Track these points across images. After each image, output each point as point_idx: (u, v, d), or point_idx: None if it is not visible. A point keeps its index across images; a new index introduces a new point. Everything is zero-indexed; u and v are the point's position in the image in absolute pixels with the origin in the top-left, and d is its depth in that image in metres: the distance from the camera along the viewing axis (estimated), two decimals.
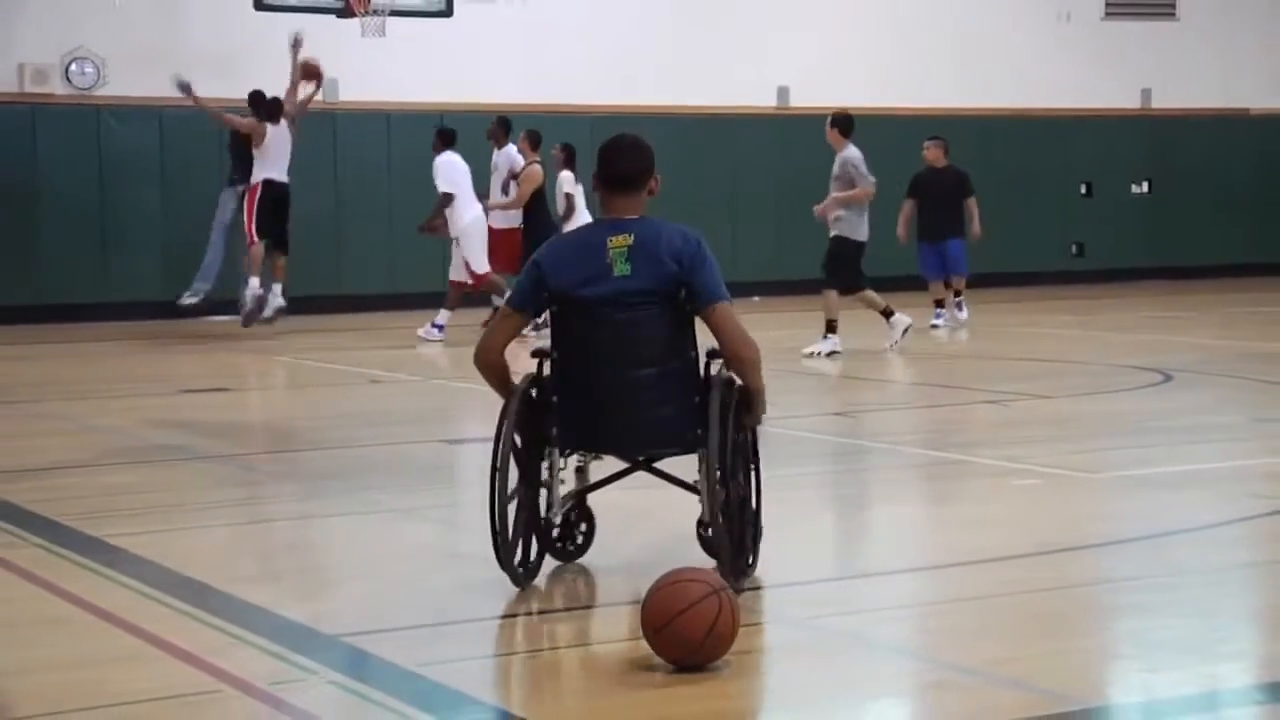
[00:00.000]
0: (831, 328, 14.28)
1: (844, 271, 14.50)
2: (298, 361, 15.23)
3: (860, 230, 14.51)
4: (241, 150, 17.52)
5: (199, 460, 9.29)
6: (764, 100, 21.96)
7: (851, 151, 14.58)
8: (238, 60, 19.90)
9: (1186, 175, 25.05)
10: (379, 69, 19.93)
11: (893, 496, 7.89)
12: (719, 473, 5.58)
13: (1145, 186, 25.12)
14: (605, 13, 21.77)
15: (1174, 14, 25.24)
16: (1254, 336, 15.90)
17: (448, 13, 19.36)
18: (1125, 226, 24.74)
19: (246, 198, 17.31)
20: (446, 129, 17.39)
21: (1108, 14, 24.83)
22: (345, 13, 18.31)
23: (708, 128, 21.20)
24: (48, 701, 4.61)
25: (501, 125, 17.87)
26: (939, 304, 17.02)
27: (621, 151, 5.98)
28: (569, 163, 17.71)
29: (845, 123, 14.84)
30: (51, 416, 11.44)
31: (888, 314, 14.50)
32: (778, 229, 21.29)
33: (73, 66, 19.67)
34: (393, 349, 16.24)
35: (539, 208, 17.15)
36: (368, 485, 8.70)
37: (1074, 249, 24.64)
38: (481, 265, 16.99)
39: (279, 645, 5.17)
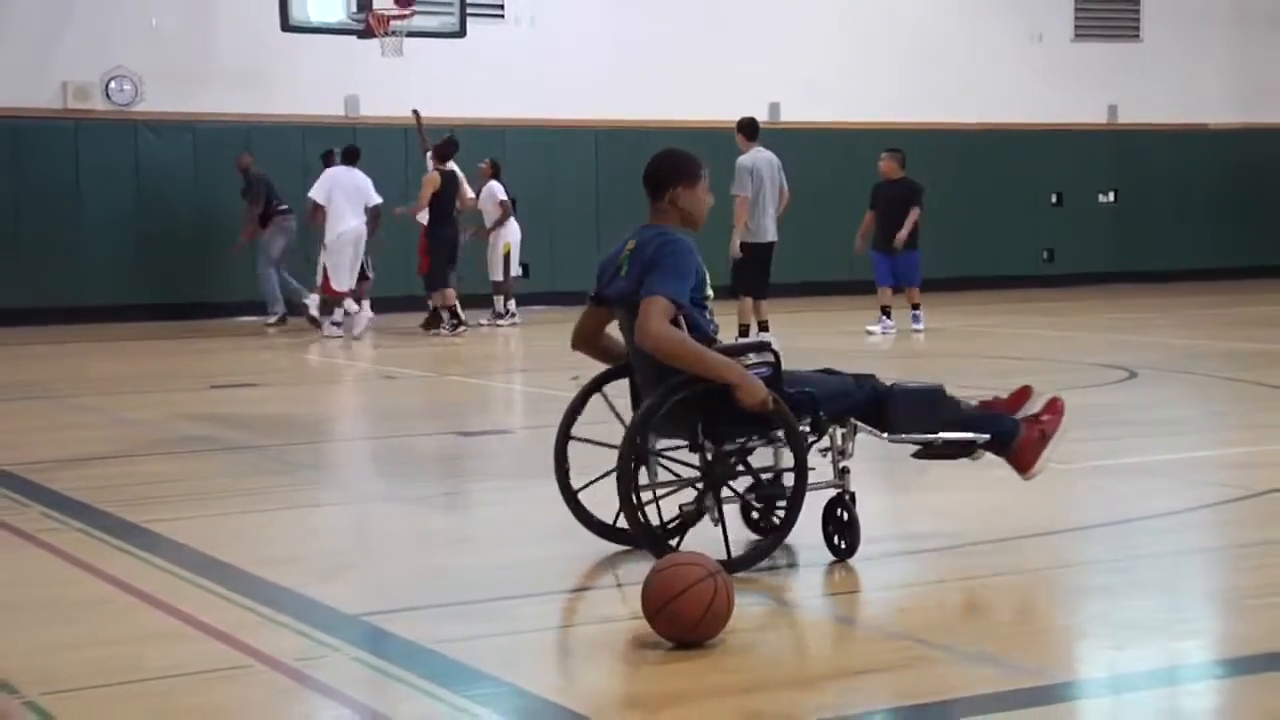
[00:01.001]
0: (743, 332, 13.97)
1: (750, 276, 14.13)
2: (319, 359, 15.24)
3: (760, 233, 14.15)
4: None
5: (229, 451, 9.30)
6: (756, 114, 21.91)
7: (744, 157, 14.26)
8: (265, 78, 19.94)
9: (1150, 186, 25.05)
10: (397, 86, 19.92)
11: (873, 486, 7.88)
12: (631, 464, 5.70)
13: (1112, 196, 25.12)
14: (608, 33, 21.78)
15: (1139, 36, 25.26)
16: (1213, 336, 15.90)
17: (461, 34, 19.38)
18: (1093, 234, 24.75)
19: None
20: (351, 147, 17.69)
21: (1077, 36, 24.84)
22: (366, 34, 18.33)
23: (704, 140, 20.99)
24: (90, 676, 4.62)
25: (451, 143, 17.98)
26: (885, 310, 16.28)
27: (652, 161, 6.03)
28: (495, 175, 18.16)
29: (745, 127, 14.58)
30: (91, 410, 11.44)
31: (744, 330, 14.10)
32: None
33: (112, 84, 19.68)
34: (407, 348, 16.24)
35: (439, 213, 17.08)
36: (386, 474, 8.71)
37: (1045, 254, 24.64)
38: (338, 282, 17.09)
39: (304, 624, 5.18)
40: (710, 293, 5.90)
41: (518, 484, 8.09)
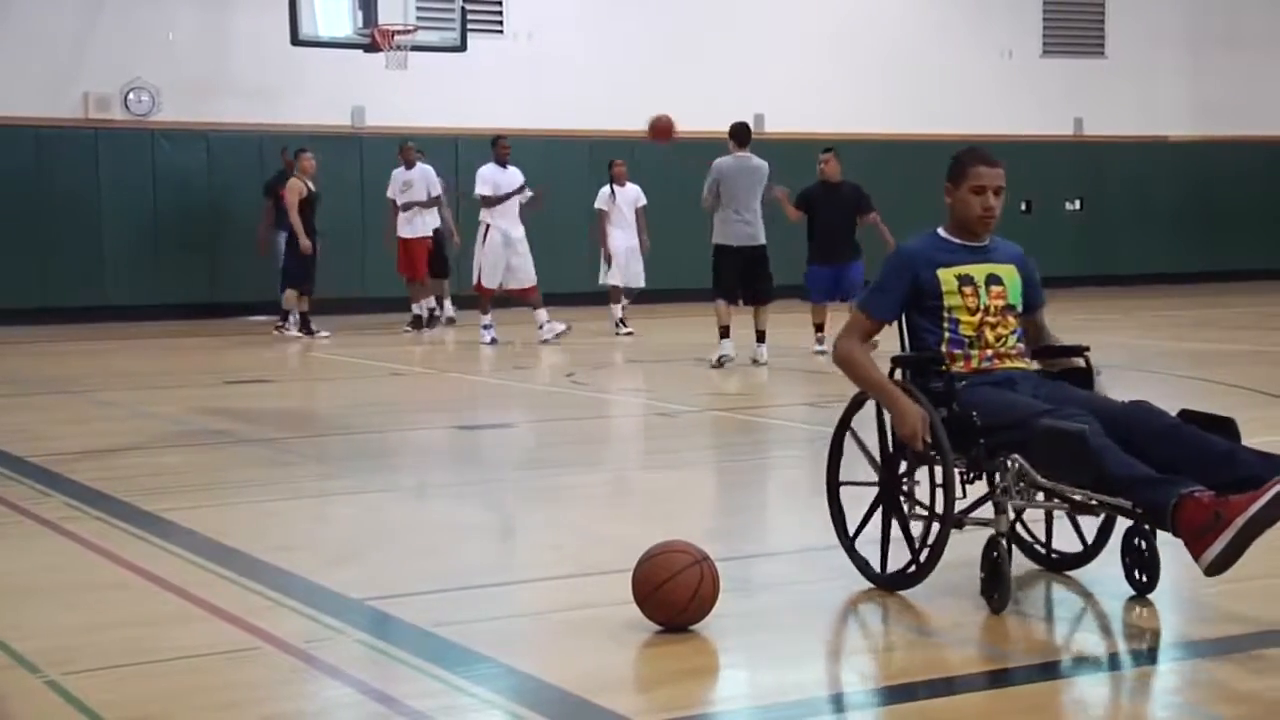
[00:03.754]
0: (722, 333, 13.17)
1: (720, 279, 13.36)
2: (328, 356, 15.22)
3: (717, 235, 13.39)
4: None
5: (241, 443, 9.27)
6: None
7: (715, 161, 13.61)
8: (275, 90, 19.93)
9: (1114, 194, 25.10)
10: (401, 98, 19.92)
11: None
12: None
13: (1078, 204, 25.15)
14: (601, 48, 21.79)
15: (1103, 53, 25.29)
16: (1170, 337, 15.93)
17: (462, 48, 19.36)
18: (1060, 239, 24.75)
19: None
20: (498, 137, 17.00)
21: (1045, 52, 24.87)
22: (371, 48, 18.30)
23: (692, 150, 21.14)
24: (108, 656, 4.61)
25: (412, 149, 17.70)
26: (820, 329, 14.00)
27: None
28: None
29: (734, 133, 13.78)
30: (110, 404, 11.42)
31: (723, 333, 13.15)
32: None
33: (131, 95, 19.65)
34: (410, 346, 16.22)
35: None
36: (390, 466, 8.69)
37: None
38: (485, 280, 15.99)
39: (311, 608, 5.16)
40: (964, 300, 5.23)
41: (514, 475, 8.08)
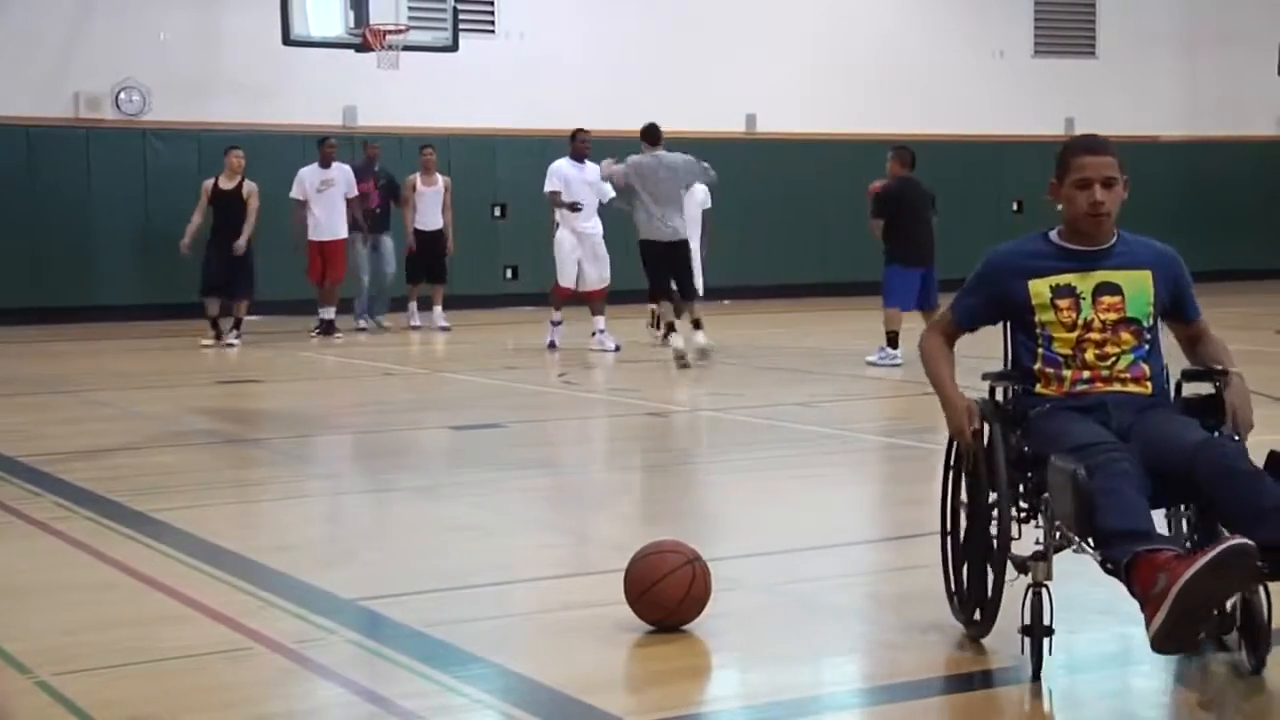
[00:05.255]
0: (670, 327, 13.04)
1: (650, 277, 13.20)
2: (319, 357, 15.20)
3: (642, 230, 13.20)
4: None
5: (232, 443, 9.26)
6: (734, 125, 21.96)
7: (630, 158, 13.57)
8: (267, 89, 19.91)
9: None
10: (393, 98, 19.90)
11: (849, 477, 7.88)
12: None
13: None
14: (594, 48, 21.77)
15: (1094, 53, 25.34)
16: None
17: (454, 48, 19.35)
18: None
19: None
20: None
21: (1036, 52, 24.90)
22: (363, 48, 18.29)
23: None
24: (99, 657, 4.60)
25: (334, 146, 17.40)
26: (892, 338, 13.25)
27: None
28: None
29: (643, 134, 13.72)
30: (101, 404, 11.40)
31: (668, 328, 13.06)
32: (743, 240, 21.24)
33: (122, 95, 19.61)
34: (403, 346, 16.20)
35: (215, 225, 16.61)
36: (382, 466, 8.69)
37: None
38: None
39: (303, 608, 5.16)
40: (1058, 315, 4.63)
41: (506, 475, 8.07)
